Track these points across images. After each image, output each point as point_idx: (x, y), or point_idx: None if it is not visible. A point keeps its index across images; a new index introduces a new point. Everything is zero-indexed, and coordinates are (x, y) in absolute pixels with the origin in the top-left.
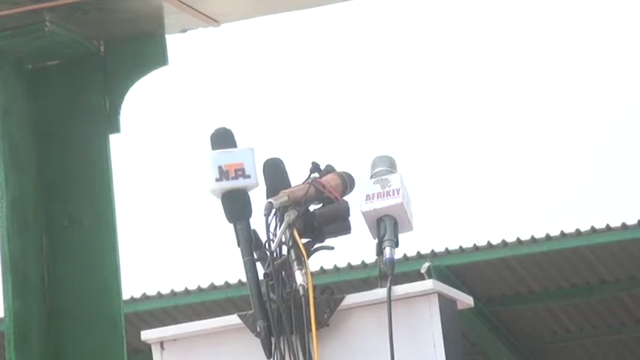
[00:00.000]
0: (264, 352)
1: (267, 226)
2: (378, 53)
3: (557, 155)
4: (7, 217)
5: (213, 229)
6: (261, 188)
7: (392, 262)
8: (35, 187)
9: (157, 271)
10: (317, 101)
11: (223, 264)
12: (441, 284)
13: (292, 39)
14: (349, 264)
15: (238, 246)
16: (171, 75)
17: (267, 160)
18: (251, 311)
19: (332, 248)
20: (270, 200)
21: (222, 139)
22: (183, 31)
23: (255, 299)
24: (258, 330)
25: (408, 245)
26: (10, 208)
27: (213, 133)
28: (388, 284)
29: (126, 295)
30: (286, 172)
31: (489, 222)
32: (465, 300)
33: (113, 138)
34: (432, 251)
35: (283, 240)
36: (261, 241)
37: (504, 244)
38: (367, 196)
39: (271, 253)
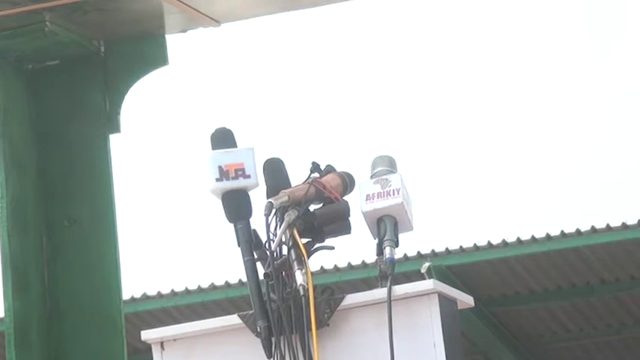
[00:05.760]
0: (265, 352)
1: (268, 226)
2: (378, 53)
3: (557, 155)
4: (7, 217)
5: (213, 229)
6: (261, 188)
7: (392, 262)
8: (35, 187)
9: (157, 271)
10: (317, 101)
11: (223, 264)
12: (441, 284)
13: (292, 39)
14: (349, 264)
15: (238, 246)
16: (171, 75)
17: (267, 160)
18: (251, 311)
19: (332, 248)
20: (270, 200)
21: (223, 139)
22: (184, 31)
23: (256, 299)
24: (259, 330)
25: (408, 245)
26: (10, 208)
27: (213, 133)
28: (388, 284)
29: (126, 295)
30: (286, 172)
31: (489, 222)
32: (465, 300)
33: (113, 138)
34: (432, 251)
35: (283, 240)
36: (261, 241)
37: (504, 244)
38: (367, 196)
39: (271, 253)
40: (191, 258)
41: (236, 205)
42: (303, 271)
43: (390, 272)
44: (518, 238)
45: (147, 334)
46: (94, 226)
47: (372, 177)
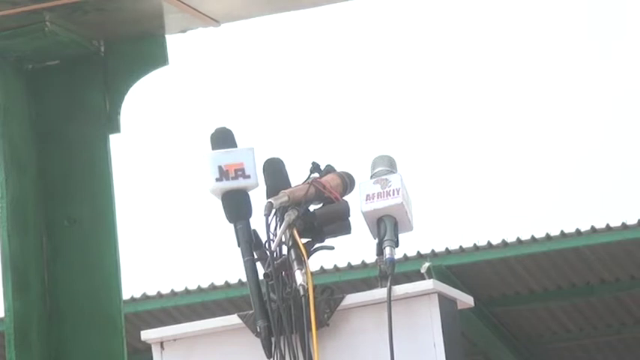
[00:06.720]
0: (264, 352)
1: (267, 226)
2: (378, 53)
3: (557, 155)
4: (7, 217)
5: (213, 229)
6: (261, 188)
7: (392, 262)
8: (35, 187)
9: (157, 271)
10: (317, 101)
11: (223, 264)
12: (441, 284)
13: (292, 39)
14: (349, 264)
15: (238, 246)
16: (171, 75)
17: (267, 160)
18: (251, 311)
19: (332, 248)
20: (270, 200)
21: (222, 139)
22: (184, 31)
23: (256, 299)
24: (259, 330)
25: (408, 245)
26: (10, 208)
27: (213, 133)
28: (388, 284)
29: (126, 295)
30: (286, 172)
31: (489, 222)
32: (465, 300)
33: (113, 138)
34: (432, 251)
35: (283, 240)
36: (261, 241)
37: (504, 244)
38: (367, 196)
39: (271, 253)
40: (191, 258)
41: (236, 205)
42: (303, 271)
43: (390, 272)
44: (518, 238)
45: (147, 334)
46: (94, 226)
47: (372, 177)
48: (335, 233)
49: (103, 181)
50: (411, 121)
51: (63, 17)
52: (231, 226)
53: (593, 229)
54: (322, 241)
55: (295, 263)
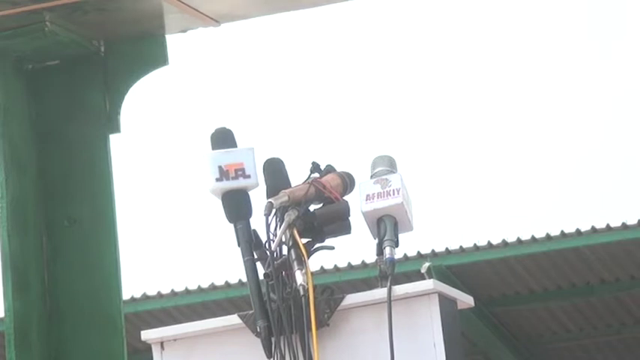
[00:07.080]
0: (265, 352)
1: (268, 226)
2: (378, 53)
3: (557, 155)
4: (7, 217)
5: (213, 229)
6: (261, 188)
7: (392, 262)
8: (35, 187)
9: (157, 271)
10: (317, 101)
11: (223, 264)
12: (441, 284)
13: (292, 39)
14: (349, 264)
15: (238, 246)
16: (171, 75)
17: (267, 160)
18: (251, 311)
19: (332, 248)
20: (270, 200)
21: (223, 139)
22: (184, 31)
23: (256, 299)
24: (259, 330)
25: (408, 245)
26: (10, 208)
27: (213, 133)
28: (388, 284)
29: (126, 295)
30: (286, 172)
31: (489, 222)
32: (465, 300)
33: (113, 138)
34: (432, 251)
35: (283, 240)
36: (261, 241)
37: (504, 244)
38: (367, 196)
39: (271, 253)
40: (191, 258)
41: (236, 205)
42: (303, 271)
43: (390, 272)
44: (518, 238)
45: (147, 334)
46: (94, 226)
47: (372, 177)
48: (335, 233)
49: (103, 181)
50: (411, 121)
51: (63, 17)
52: (231, 226)
53: (593, 229)
54: (322, 241)
55: (295, 263)
